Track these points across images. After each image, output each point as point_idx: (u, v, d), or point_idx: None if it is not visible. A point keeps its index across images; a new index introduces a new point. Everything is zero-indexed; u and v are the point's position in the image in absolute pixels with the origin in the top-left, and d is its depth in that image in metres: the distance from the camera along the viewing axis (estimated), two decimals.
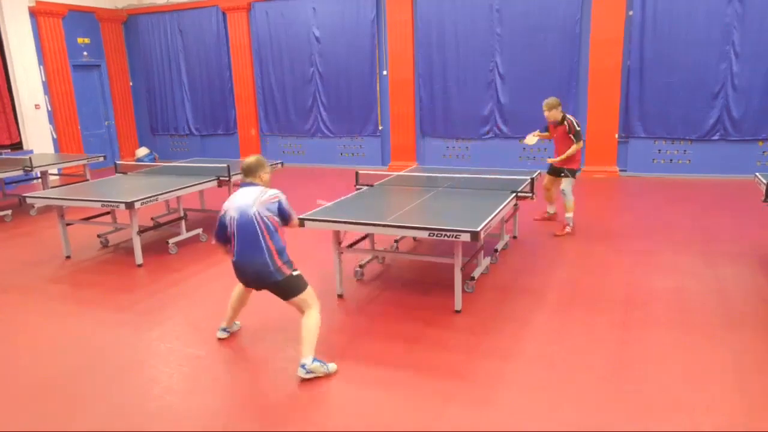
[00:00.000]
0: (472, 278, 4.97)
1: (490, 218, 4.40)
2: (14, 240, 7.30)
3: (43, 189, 8.49)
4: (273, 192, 3.78)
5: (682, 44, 9.23)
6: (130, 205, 5.61)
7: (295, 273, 3.72)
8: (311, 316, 3.69)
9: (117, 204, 5.74)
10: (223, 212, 3.78)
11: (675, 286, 4.94)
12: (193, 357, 3.99)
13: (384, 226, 4.46)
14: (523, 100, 10.24)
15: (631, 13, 9.48)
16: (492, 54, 10.36)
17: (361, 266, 5.45)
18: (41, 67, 11.48)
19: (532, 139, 6.79)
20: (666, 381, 3.45)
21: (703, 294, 4.74)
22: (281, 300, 3.75)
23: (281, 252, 3.69)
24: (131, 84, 13.82)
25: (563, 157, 6.44)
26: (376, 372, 3.71)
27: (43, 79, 11.55)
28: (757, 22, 8.79)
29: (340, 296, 4.96)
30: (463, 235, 4.10)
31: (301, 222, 4.65)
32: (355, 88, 11.58)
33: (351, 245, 5.26)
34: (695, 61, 9.21)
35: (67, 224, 6.37)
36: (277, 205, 3.73)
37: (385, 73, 11.33)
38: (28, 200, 6.32)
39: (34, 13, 11.26)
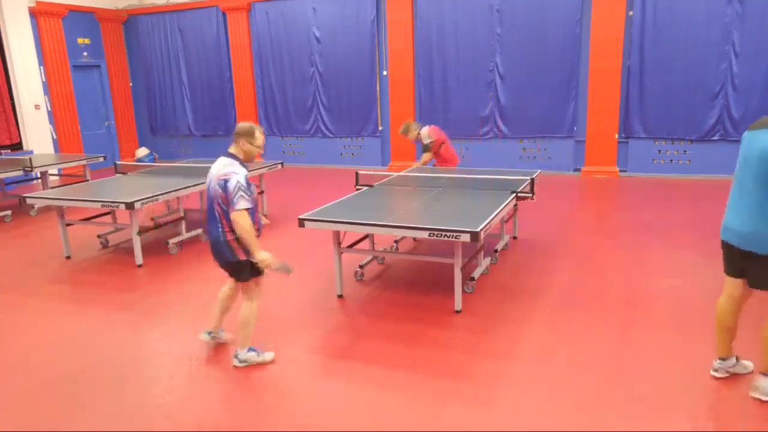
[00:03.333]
0: (472, 278, 4.97)
1: (490, 218, 4.40)
2: (14, 240, 7.30)
3: (43, 189, 8.49)
4: (230, 169, 3.54)
5: (682, 44, 9.23)
6: (130, 206, 5.61)
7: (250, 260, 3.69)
8: (247, 308, 3.76)
9: (117, 204, 5.75)
10: None
11: (675, 285, 4.95)
12: (192, 357, 3.99)
13: (384, 226, 4.46)
14: (523, 100, 10.27)
15: (631, 13, 9.47)
16: (492, 54, 10.35)
17: (361, 266, 5.45)
18: (41, 67, 11.48)
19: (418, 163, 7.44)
20: (666, 381, 3.45)
21: (703, 294, 4.73)
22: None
23: (233, 229, 3.57)
24: (131, 84, 13.83)
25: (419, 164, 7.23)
26: (376, 372, 3.71)
27: (43, 80, 11.55)
28: (757, 22, 8.78)
29: (340, 296, 4.96)
30: (463, 235, 4.10)
31: (301, 222, 4.66)
32: (355, 88, 11.58)
33: (351, 245, 5.26)
34: (695, 61, 9.21)
35: (67, 224, 6.37)
36: (223, 183, 3.51)
37: (385, 73, 11.33)
38: (28, 200, 6.32)
39: (34, 14, 11.25)
